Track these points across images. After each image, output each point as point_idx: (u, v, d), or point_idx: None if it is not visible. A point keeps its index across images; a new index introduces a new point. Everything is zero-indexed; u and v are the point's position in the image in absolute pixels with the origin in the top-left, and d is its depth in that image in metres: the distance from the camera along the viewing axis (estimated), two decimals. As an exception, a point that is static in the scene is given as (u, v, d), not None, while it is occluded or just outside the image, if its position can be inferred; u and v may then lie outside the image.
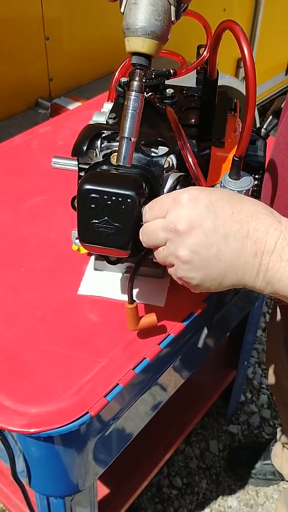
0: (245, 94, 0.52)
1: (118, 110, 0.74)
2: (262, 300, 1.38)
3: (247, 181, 0.58)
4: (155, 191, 0.62)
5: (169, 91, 0.76)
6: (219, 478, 1.54)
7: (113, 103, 0.77)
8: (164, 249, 0.53)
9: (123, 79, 0.77)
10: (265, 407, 1.72)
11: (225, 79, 1.85)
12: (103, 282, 0.81)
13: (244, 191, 0.57)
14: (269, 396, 1.74)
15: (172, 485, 1.51)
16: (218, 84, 0.70)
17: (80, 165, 0.66)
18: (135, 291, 0.78)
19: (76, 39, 1.73)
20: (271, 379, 1.32)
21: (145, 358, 0.71)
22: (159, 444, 1.33)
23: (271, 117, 0.74)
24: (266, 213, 0.49)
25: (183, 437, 1.38)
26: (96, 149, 0.64)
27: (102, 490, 1.21)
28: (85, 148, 0.63)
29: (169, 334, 0.74)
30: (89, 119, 0.76)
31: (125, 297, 0.70)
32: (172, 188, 0.63)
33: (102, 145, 0.64)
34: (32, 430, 0.63)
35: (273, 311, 1.22)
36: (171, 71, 0.76)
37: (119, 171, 0.62)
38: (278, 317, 1.06)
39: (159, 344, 0.73)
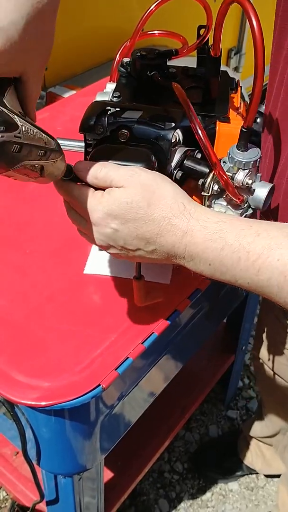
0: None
1: (122, 89, 0.75)
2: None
3: (255, 153, 0.59)
4: (164, 165, 0.62)
5: (172, 70, 0.77)
6: (219, 462, 1.56)
7: (116, 83, 0.77)
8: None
9: (126, 59, 0.77)
10: (262, 392, 1.74)
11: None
12: (108, 261, 0.82)
13: (252, 162, 0.58)
14: (267, 382, 1.76)
15: (173, 470, 1.52)
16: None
17: (87, 141, 0.67)
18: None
19: (70, 29, 1.73)
20: (256, 369, 1.32)
21: (153, 332, 0.72)
22: (161, 428, 1.34)
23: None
24: (170, 230, 0.52)
25: (183, 421, 1.40)
26: (103, 125, 0.65)
27: (107, 474, 1.22)
28: (92, 123, 0.64)
29: (176, 310, 0.75)
30: (86, 106, 0.76)
31: (130, 275, 0.71)
32: (180, 163, 0.64)
33: (109, 121, 0.65)
34: (44, 403, 0.64)
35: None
36: (173, 50, 0.77)
37: (128, 145, 0.62)
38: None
39: (166, 319, 0.74)
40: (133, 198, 0.52)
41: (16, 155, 0.46)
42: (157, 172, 0.55)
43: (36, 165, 0.50)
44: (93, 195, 0.54)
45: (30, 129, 0.48)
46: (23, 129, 0.47)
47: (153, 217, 0.52)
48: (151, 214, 0.52)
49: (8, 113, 0.45)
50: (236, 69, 2.52)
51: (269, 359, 1.13)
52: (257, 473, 1.53)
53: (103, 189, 0.55)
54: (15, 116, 0.46)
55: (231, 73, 2.05)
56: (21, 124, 0.46)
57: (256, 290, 0.50)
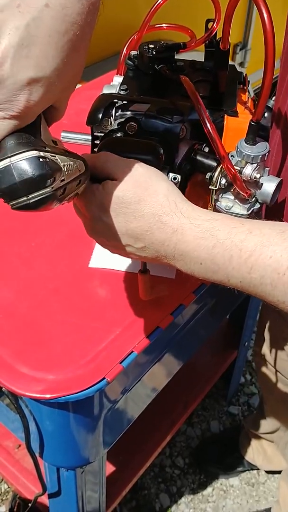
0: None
1: (129, 82, 0.74)
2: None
3: (263, 147, 0.58)
4: (171, 158, 0.62)
5: (179, 64, 0.76)
6: (221, 458, 1.56)
7: (123, 76, 0.77)
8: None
9: (133, 52, 0.77)
10: (264, 388, 1.74)
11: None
12: (113, 255, 0.81)
13: (260, 156, 0.58)
14: (269, 378, 1.76)
15: (175, 465, 1.53)
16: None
17: (94, 134, 0.66)
18: (145, 264, 0.79)
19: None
20: (258, 366, 1.32)
21: (158, 326, 0.72)
22: (163, 423, 1.35)
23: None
24: (160, 227, 0.51)
25: (185, 416, 1.40)
26: (111, 118, 0.65)
27: (108, 468, 1.22)
28: (100, 116, 0.64)
29: (180, 304, 0.75)
30: (92, 99, 0.76)
31: (135, 269, 0.71)
32: (187, 156, 0.63)
33: (117, 114, 0.65)
34: (48, 396, 0.64)
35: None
36: (181, 43, 0.76)
37: (135, 138, 0.62)
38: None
39: (171, 314, 0.74)
40: (125, 193, 0.52)
41: (62, 196, 0.46)
42: (154, 169, 0.54)
43: (74, 194, 0.50)
44: (88, 187, 0.54)
45: (68, 165, 0.47)
46: (65, 169, 0.45)
47: (143, 213, 0.51)
48: (142, 210, 0.51)
49: (52, 158, 0.43)
50: (241, 64, 2.51)
51: (270, 356, 1.13)
52: (258, 469, 1.53)
53: (102, 180, 0.54)
54: (57, 157, 0.44)
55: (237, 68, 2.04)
56: (62, 164, 0.45)
57: (249, 290, 0.49)
